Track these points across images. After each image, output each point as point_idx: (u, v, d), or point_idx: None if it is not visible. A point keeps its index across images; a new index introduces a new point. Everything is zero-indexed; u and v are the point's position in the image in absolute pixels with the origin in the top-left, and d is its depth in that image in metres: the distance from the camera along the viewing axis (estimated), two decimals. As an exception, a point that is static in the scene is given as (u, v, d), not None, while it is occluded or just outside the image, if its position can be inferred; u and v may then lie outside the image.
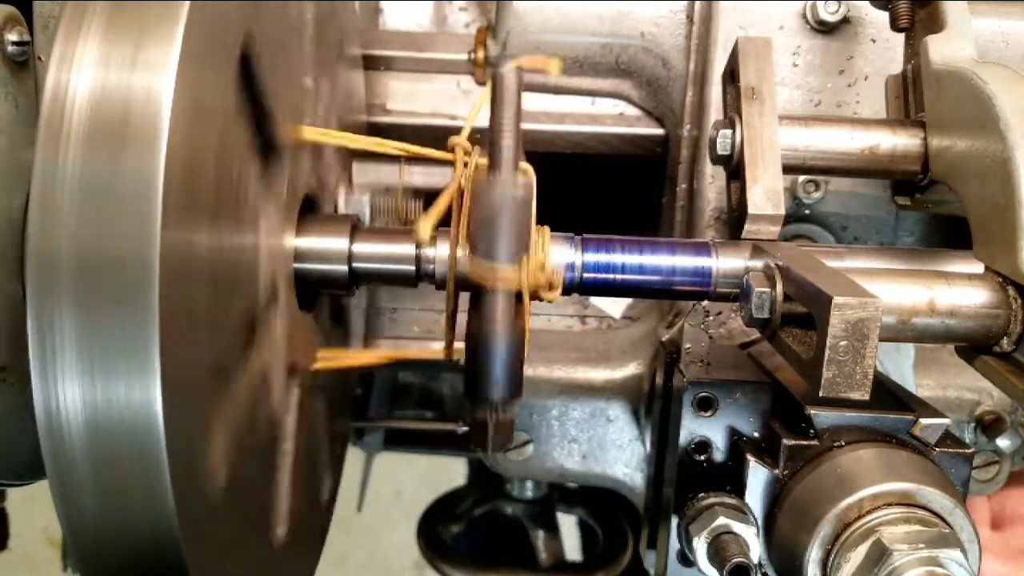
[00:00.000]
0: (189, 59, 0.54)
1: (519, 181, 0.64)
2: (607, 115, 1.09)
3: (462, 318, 0.71)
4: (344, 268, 0.75)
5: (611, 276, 0.72)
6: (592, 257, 0.72)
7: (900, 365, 0.88)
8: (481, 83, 1.07)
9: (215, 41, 0.59)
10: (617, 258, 0.72)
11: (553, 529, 1.38)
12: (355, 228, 0.76)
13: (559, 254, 0.71)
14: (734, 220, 0.77)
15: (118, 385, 0.51)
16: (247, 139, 0.66)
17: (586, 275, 0.72)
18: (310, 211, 0.80)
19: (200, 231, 0.57)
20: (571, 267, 0.71)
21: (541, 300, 0.70)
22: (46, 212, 0.51)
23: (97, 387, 0.52)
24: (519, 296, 0.66)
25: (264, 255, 0.69)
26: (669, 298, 0.77)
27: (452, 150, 0.75)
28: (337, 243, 0.75)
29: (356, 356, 0.89)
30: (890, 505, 0.63)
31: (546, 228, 0.72)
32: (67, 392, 0.52)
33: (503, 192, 0.63)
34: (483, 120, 0.67)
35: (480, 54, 1.05)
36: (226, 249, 0.62)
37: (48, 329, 0.51)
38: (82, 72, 0.53)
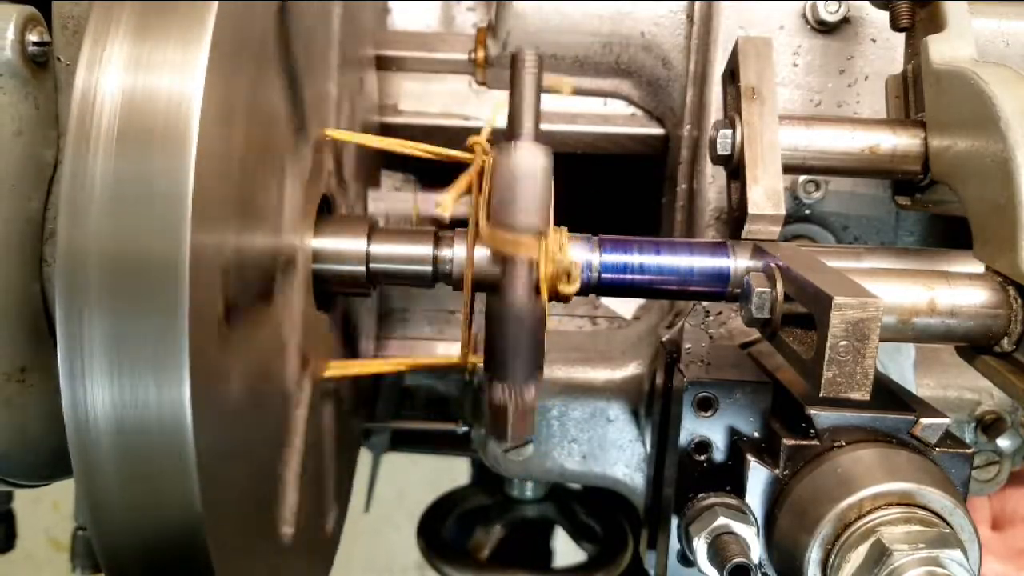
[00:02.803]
0: (218, 60, 0.54)
1: (539, 151, 0.64)
2: (619, 115, 1.09)
3: (477, 319, 0.71)
4: (361, 269, 0.75)
5: (629, 277, 0.72)
6: (610, 257, 0.71)
7: (900, 365, 0.88)
8: (482, 83, 1.07)
9: (243, 42, 0.59)
10: (635, 259, 0.72)
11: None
12: (372, 229, 0.76)
13: (576, 254, 0.71)
14: (734, 220, 0.76)
15: (147, 384, 0.52)
16: (271, 139, 0.66)
17: (604, 275, 0.71)
18: (327, 212, 0.81)
19: (227, 232, 0.57)
20: (588, 267, 0.71)
21: (560, 297, 0.70)
22: (75, 213, 0.52)
23: (126, 386, 0.52)
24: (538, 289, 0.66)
25: (285, 256, 0.69)
26: (686, 299, 0.76)
27: (471, 149, 0.75)
28: (355, 244, 0.75)
29: (368, 365, 0.88)
30: (890, 505, 0.63)
31: (563, 228, 0.72)
32: (95, 391, 0.52)
33: (523, 158, 0.63)
34: (500, 123, 0.68)
35: (480, 54, 1.04)
36: (251, 250, 0.62)
37: (77, 329, 0.52)
38: (111, 74, 0.53)
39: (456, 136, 1.08)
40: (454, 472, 1.80)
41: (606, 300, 1.13)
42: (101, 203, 0.51)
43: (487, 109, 1.08)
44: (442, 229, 0.76)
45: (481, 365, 0.70)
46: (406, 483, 2.72)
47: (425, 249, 0.74)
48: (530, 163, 0.63)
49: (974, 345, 0.68)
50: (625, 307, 1.13)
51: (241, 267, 0.60)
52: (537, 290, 0.66)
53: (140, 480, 0.54)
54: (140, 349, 0.51)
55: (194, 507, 0.54)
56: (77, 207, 0.51)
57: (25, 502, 1.29)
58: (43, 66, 0.69)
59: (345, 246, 0.76)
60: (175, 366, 0.51)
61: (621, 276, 0.72)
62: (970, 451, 0.69)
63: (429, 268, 0.74)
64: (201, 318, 0.52)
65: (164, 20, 0.54)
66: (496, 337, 0.64)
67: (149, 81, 0.53)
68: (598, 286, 0.72)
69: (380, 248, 0.75)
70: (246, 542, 0.64)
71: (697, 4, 0.99)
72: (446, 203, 0.68)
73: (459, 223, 0.75)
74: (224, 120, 0.55)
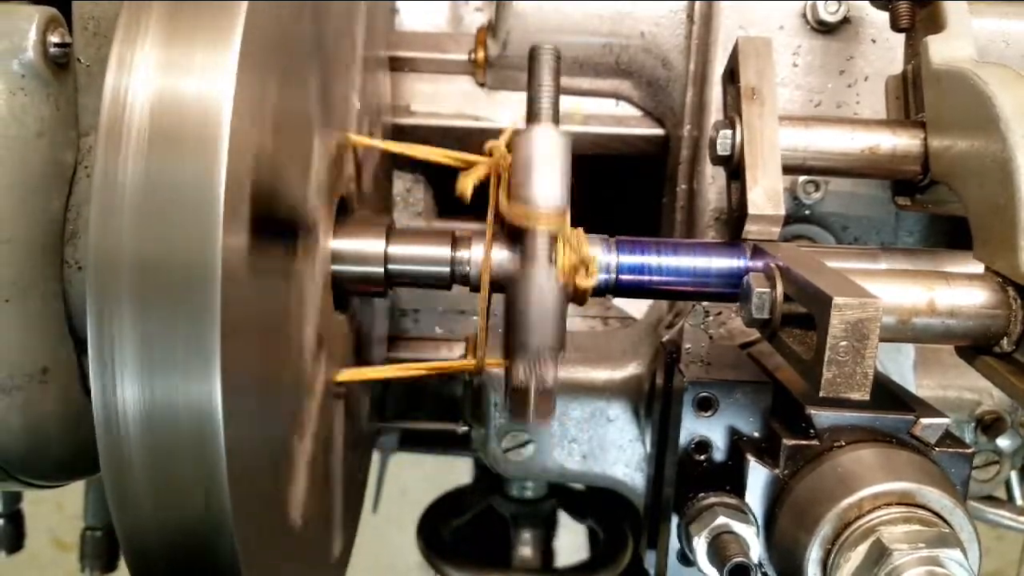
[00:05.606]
0: (247, 61, 0.54)
1: (557, 133, 0.65)
2: (615, 116, 1.09)
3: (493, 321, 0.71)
4: (380, 270, 0.75)
5: (647, 278, 0.72)
6: (627, 259, 0.71)
7: (900, 365, 0.88)
8: (481, 84, 1.07)
9: (272, 42, 0.59)
10: (652, 260, 0.72)
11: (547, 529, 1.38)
12: (391, 230, 0.76)
13: (595, 255, 0.71)
14: (734, 220, 0.76)
15: (177, 383, 0.52)
16: (297, 141, 0.66)
17: (621, 277, 0.71)
18: (345, 213, 0.81)
19: (256, 232, 0.57)
20: (607, 268, 0.71)
21: (577, 294, 0.69)
22: (107, 214, 0.52)
23: (156, 385, 0.52)
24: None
25: (308, 257, 0.69)
26: (702, 300, 0.77)
27: (489, 152, 0.74)
28: (373, 245, 0.75)
29: (381, 371, 0.87)
30: (890, 505, 0.63)
31: (579, 229, 0.71)
32: (126, 389, 0.52)
33: (543, 135, 0.63)
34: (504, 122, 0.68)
35: (480, 54, 1.05)
36: (277, 251, 0.63)
37: (107, 328, 0.52)
38: (141, 76, 0.53)
39: (468, 136, 1.07)
40: (457, 471, 1.80)
41: (617, 300, 1.13)
42: (132, 204, 0.52)
43: (499, 110, 1.08)
44: (460, 230, 0.75)
45: (492, 369, 0.69)
46: (409, 482, 2.73)
47: (443, 250, 0.74)
48: (549, 145, 0.64)
49: (974, 345, 0.68)
50: (635, 308, 1.13)
51: (268, 268, 0.60)
52: (554, 258, 0.65)
53: (168, 477, 0.54)
54: (171, 348, 0.52)
55: (223, 504, 0.54)
56: (108, 208, 0.52)
57: (28, 503, 1.29)
58: (64, 67, 0.69)
59: (364, 247, 0.76)
60: (207, 365, 0.52)
61: (639, 277, 0.72)
62: (970, 451, 0.69)
63: (447, 269, 0.74)
64: (231, 317, 0.53)
65: (193, 21, 0.54)
66: (516, 313, 0.64)
67: (179, 83, 0.53)
68: (616, 287, 0.72)
69: (398, 249, 0.75)
70: (269, 540, 0.64)
71: (697, 4, 0.99)
72: (465, 185, 0.68)
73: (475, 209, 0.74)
74: (253, 122, 0.55)
